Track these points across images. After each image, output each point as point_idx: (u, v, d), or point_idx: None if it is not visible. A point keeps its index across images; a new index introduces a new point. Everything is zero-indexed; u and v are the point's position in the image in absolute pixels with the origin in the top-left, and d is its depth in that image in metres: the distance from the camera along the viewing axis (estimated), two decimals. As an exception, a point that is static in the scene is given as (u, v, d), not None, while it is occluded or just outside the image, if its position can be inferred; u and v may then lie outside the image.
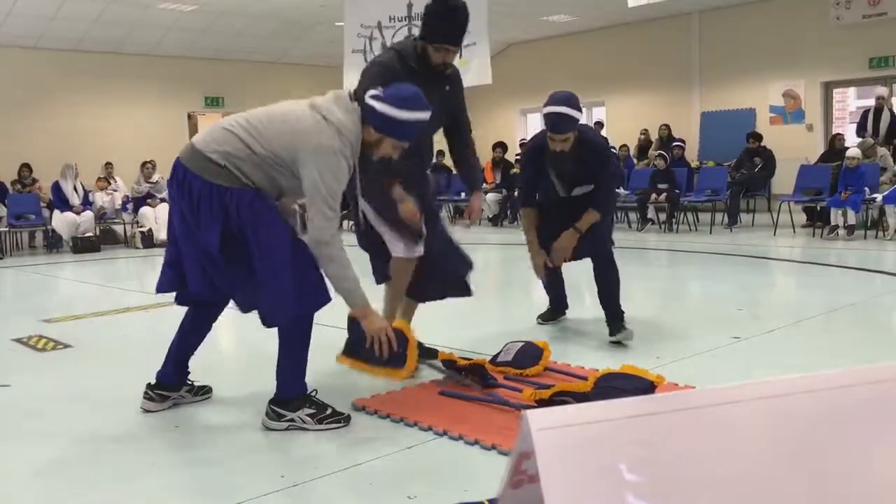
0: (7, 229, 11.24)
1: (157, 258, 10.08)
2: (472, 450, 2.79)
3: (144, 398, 3.34)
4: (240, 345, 4.84)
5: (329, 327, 3.51)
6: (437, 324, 4.42)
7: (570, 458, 0.91)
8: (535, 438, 0.91)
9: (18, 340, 4.85)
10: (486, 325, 4.90)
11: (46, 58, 14.24)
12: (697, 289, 6.75)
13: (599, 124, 14.78)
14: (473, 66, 11.75)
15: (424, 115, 3.05)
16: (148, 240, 11.38)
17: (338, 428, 3.03)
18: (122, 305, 6.23)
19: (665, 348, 4.17)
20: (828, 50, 13.17)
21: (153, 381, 3.36)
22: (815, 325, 4.79)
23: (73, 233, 11.22)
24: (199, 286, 3.07)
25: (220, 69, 15.89)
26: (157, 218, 11.51)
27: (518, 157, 12.87)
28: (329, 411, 3.07)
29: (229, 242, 2.94)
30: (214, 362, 4.07)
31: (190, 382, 3.45)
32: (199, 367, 3.49)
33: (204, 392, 3.50)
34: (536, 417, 0.92)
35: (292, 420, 3.03)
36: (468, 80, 11.73)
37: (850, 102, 19.21)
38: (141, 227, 11.57)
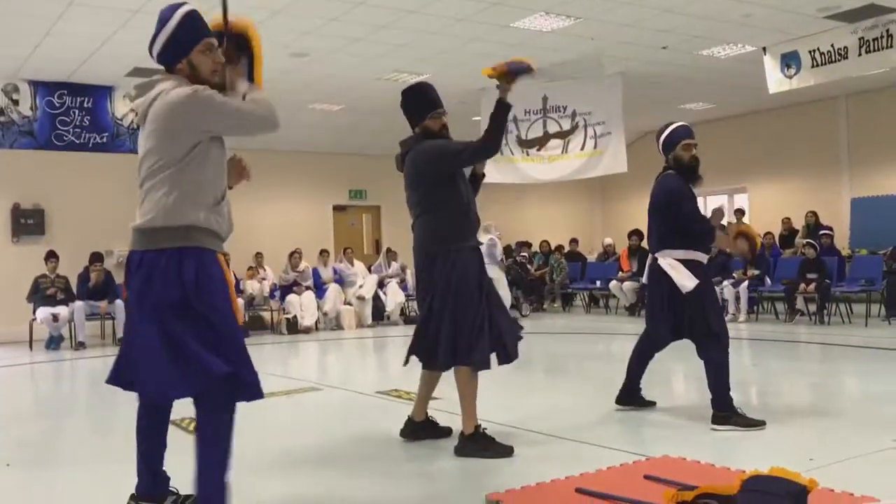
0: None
1: (301, 344, 10.52)
2: (609, 551, 2.69)
3: None
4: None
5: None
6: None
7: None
8: (675, 544, 0.88)
9: (172, 422, 5.10)
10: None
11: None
12: (854, 386, 6.31)
13: (740, 212, 14.35)
14: (608, 155, 11.79)
15: None
16: (293, 326, 11.82)
17: None
18: (266, 390, 6.44)
19: (819, 450, 3.90)
20: None
21: (134, 493, 3.16)
22: None
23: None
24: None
25: (362, 163, 16.63)
26: (302, 305, 12.00)
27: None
28: None
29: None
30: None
31: (174, 491, 3.21)
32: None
33: (193, 501, 3.10)
34: (676, 522, 0.90)
35: None
36: (602, 169, 11.94)
37: None
38: (287, 313, 12.06)
